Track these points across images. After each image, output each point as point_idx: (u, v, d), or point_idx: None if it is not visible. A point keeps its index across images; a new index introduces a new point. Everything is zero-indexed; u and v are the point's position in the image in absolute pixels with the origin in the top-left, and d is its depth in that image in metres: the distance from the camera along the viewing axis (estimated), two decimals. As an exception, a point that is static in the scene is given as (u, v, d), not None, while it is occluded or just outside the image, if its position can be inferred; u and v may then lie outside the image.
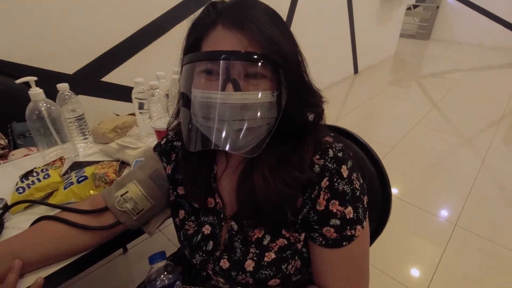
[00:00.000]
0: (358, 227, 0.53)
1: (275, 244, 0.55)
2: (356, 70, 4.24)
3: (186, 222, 0.63)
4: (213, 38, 0.48)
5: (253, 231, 0.57)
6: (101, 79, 1.89)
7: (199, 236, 0.61)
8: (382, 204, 0.77)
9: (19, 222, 0.70)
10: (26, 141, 1.45)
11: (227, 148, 0.49)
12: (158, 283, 0.56)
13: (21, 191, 0.74)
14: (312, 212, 0.53)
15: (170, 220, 0.70)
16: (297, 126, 0.54)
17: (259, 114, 0.48)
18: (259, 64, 0.46)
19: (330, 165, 0.52)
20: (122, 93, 1.96)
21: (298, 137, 0.55)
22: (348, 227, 0.52)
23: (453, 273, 1.45)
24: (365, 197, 0.55)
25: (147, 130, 1.05)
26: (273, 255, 0.54)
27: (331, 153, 0.53)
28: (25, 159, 0.98)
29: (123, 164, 0.92)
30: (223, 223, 0.60)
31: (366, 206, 0.55)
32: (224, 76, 0.46)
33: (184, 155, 0.62)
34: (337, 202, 0.52)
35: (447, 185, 2.09)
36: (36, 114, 0.85)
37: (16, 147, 1.47)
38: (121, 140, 0.97)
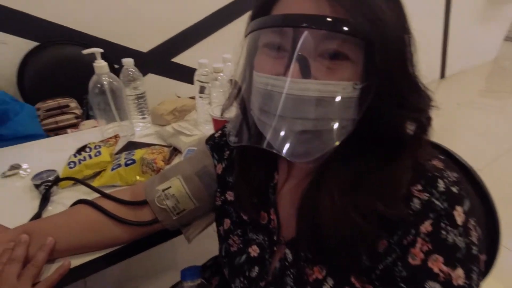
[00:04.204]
0: (468, 299, 0.36)
1: (339, 293, 0.41)
2: (442, 75, 3.72)
3: (231, 236, 0.52)
4: (285, 1, 0.36)
5: (312, 268, 0.43)
6: (172, 60, 1.90)
7: (244, 257, 0.50)
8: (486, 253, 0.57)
9: (64, 198, 0.68)
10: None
11: (282, 153, 0.37)
12: (188, 305, 0.47)
13: (72, 165, 0.71)
14: (400, 264, 0.38)
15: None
16: (388, 138, 0.39)
17: (331, 112, 0.35)
18: (341, 37, 0.33)
19: (438, 203, 0.36)
20: (189, 74, 1.96)
21: (389, 154, 0.40)
22: (454, 298, 0.36)
23: None
24: (483, 255, 0.38)
25: (205, 116, 0.97)
26: (334, 308, 0.41)
27: (441, 185, 0.37)
28: (85, 133, 0.98)
29: (175, 150, 0.86)
30: (275, 248, 0.48)
31: (482, 269, 0.38)
32: (288, 54, 0.35)
33: (241, 154, 0.52)
34: (441, 259, 0.36)
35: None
36: (98, 87, 0.83)
37: (88, 118, 1.55)
38: (177, 125, 0.91)
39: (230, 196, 0.55)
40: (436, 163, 0.40)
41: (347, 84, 0.35)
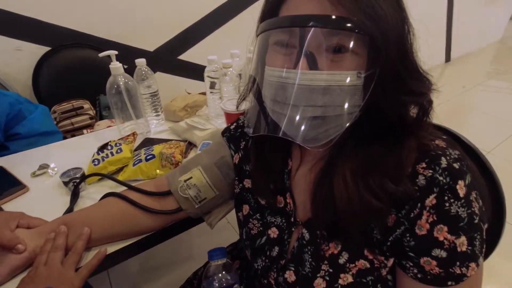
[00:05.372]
0: (472, 264, 0.40)
1: (353, 265, 0.45)
2: (448, 58, 3.69)
3: (250, 220, 0.57)
4: (291, 2, 0.40)
5: (328, 244, 0.47)
6: (178, 57, 1.94)
7: (264, 238, 0.54)
8: (491, 229, 0.60)
9: (92, 193, 0.72)
10: (110, 113, 1.56)
11: (296, 138, 0.41)
12: (215, 282, 0.51)
13: (96, 163, 0.76)
14: (408, 235, 0.42)
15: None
16: (393, 123, 0.43)
17: (338, 100, 0.39)
18: (344, 33, 0.37)
19: (441, 178, 0.40)
20: (196, 71, 1.99)
21: (394, 136, 0.43)
22: (458, 263, 0.40)
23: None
24: (485, 225, 0.42)
25: (216, 111, 1.01)
26: (350, 279, 0.45)
27: (444, 162, 0.40)
28: (104, 131, 1.03)
29: (190, 144, 0.90)
30: (293, 229, 0.52)
31: (484, 237, 0.41)
32: (296, 50, 0.39)
33: (256, 144, 0.56)
34: (445, 228, 0.40)
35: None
36: (115, 88, 0.87)
37: (101, 118, 1.60)
38: (190, 120, 0.95)
39: (247, 183, 0.59)
40: (439, 142, 0.43)
41: (351, 73, 0.38)
